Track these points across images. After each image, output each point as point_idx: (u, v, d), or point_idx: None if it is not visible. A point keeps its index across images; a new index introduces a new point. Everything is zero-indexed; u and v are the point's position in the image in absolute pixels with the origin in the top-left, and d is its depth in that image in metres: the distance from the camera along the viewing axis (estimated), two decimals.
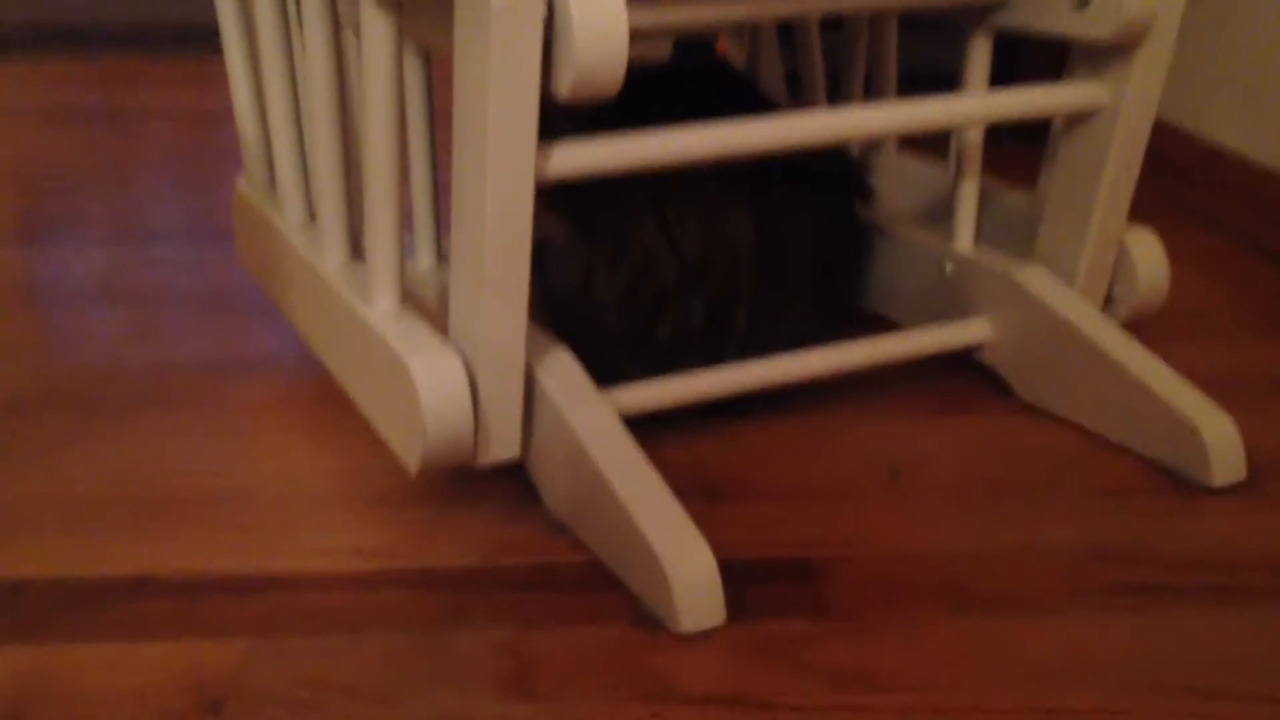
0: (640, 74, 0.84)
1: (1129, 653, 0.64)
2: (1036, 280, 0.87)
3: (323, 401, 0.88)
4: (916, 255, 0.96)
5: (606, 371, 0.76)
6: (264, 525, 0.74)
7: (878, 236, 1.00)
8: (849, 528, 0.74)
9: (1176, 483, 0.79)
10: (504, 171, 0.64)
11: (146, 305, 1.05)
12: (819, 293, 0.90)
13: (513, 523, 0.74)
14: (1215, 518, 0.76)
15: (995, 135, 0.91)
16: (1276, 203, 1.20)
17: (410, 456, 0.70)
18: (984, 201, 0.94)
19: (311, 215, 0.86)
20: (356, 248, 0.80)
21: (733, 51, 1.19)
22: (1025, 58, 1.52)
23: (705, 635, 0.64)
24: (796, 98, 1.11)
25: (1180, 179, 1.33)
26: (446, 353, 0.68)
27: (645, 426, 0.73)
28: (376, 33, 0.66)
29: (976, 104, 0.83)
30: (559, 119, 0.69)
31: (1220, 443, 0.78)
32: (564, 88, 0.62)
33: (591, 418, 0.70)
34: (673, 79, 0.92)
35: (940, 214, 1.01)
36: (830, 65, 1.09)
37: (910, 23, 1.00)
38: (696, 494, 0.77)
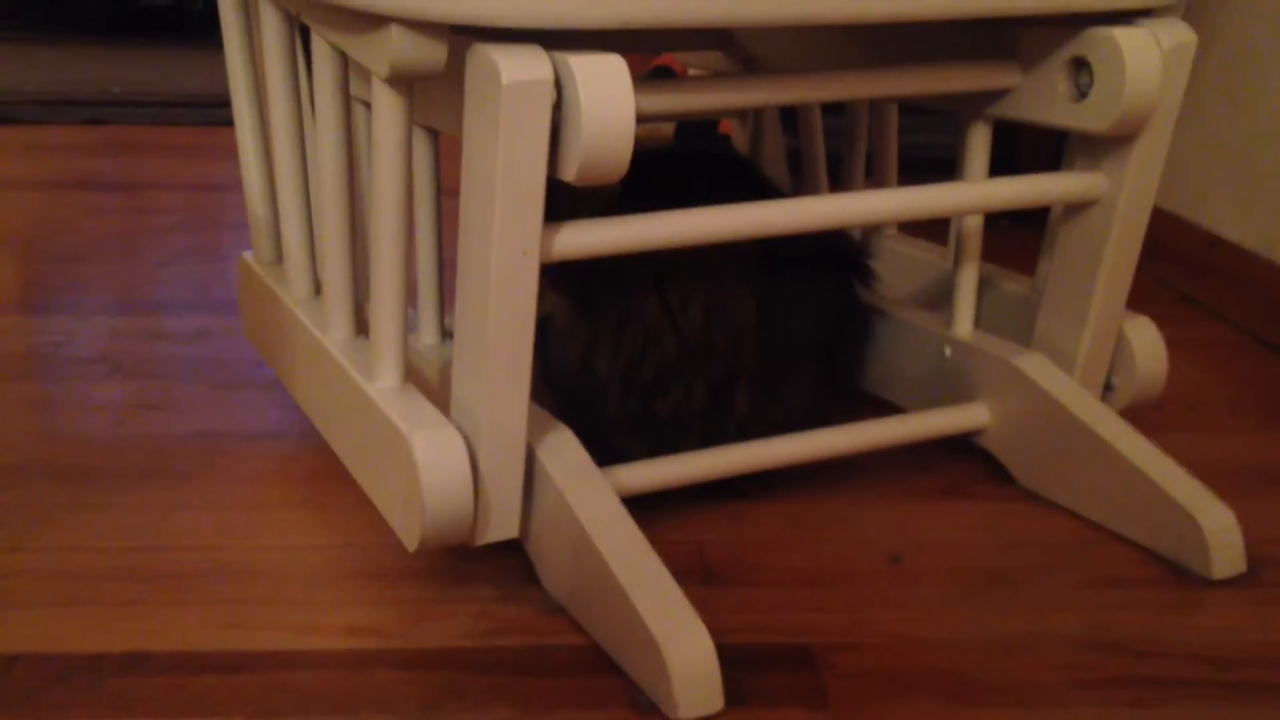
0: (644, 158, 0.85)
1: None
2: (1035, 367, 0.87)
3: (322, 476, 0.87)
4: (916, 339, 0.96)
5: (606, 450, 0.76)
6: (259, 601, 0.73)
7: (877, 319, 1.00)
8: (849, 614, 0.74)
9: (1176, 574, 0.79)
10: (509, 251, 0.65)
11: (148, 376, 1.05)
12: (819, 374, 0.91)
13: (510, 602, 0.74)
14: (1216, 610, 0.76)
15: (993, 217, 0.92)
16: (1274, 294, 1.21)
17: (409, 533, 0.69)
18: (983, 287, 0.95)
19: (317, 289, 0.87)
20: (360, 323, 0.81)
21: (735, 132, 1.21)
22: (1024, 141, 1.54)
23: None
24: (798, 178, 1.13)
25: (1178, 268, 1.34)
26: (448, 430, 0.68)
27: (644, 506, 0.72)
28: (388, 114, 0.67)
29: (976, 192, 0.84)
30: (563, 201, 0.70)
31: (1220, 534, 0.78)
32: (571, 171, 0.63)
33: (593, 500, 0.70)
34: (676, 162, 0.93)
35: (939, 298, 1.02)
36: (832, 147, 1.10)
37: (911, 108, 1.02)
38: (695, 577, 0.77)
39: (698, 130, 1.47)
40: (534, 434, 0.72)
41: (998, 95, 0.85)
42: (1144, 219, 0.84)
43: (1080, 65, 0.79)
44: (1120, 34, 0.76)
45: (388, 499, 0.73)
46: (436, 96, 0.72)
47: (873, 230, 1.11)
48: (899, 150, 1.08)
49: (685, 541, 0.81)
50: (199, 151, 1.93)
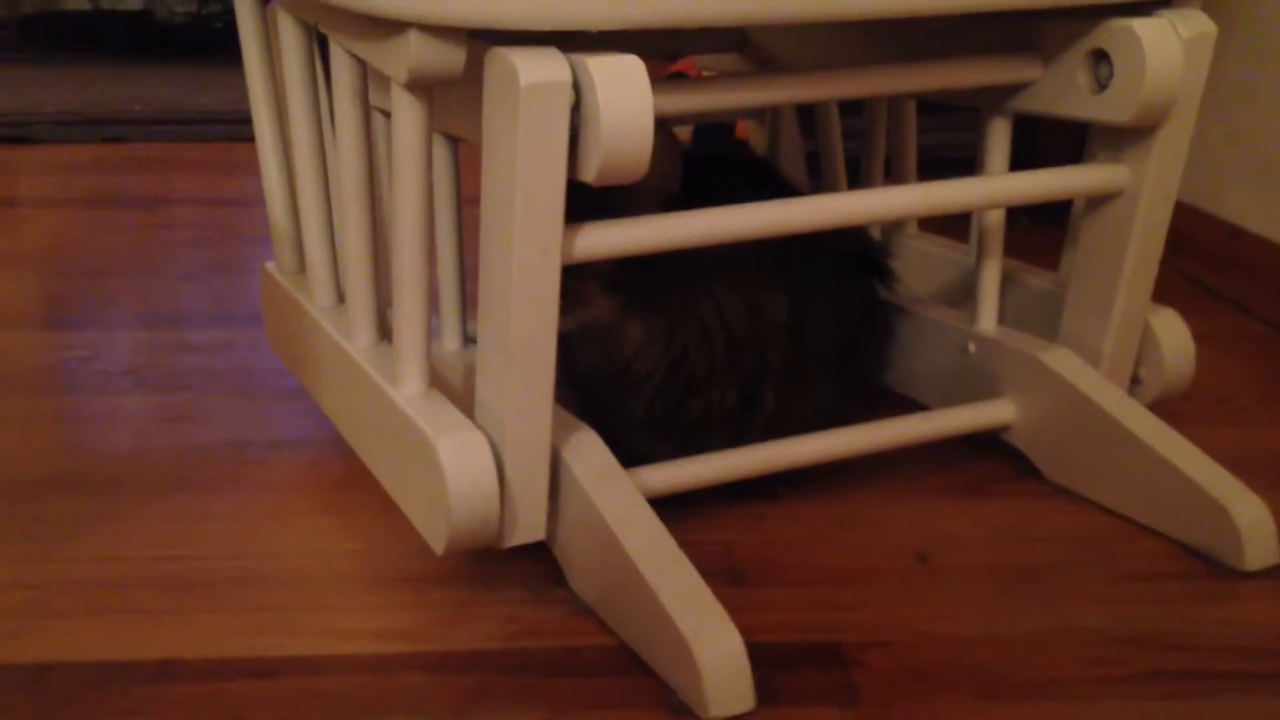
0: None
1: None
2: (1061, 362, 0.87)
3: (348, 483, 0.88)
4: (939, 336, 0.96)
5: (630, 453, 0.76)
6: (288, 607, 0.74)
7: (901, 317, 1.00)
8: (878, 612, 0.74)
9: (1208, 566, 0.78)
10: (530, 254, 0.65)
11: (174, 388, 1.06)
12: (843, 373, 0.91)
13: (538, 604, 0.74)
14: (1249, 603, 0.75)
15: (1014, 217, 0.91)
16: None
17: (436, 537, 0.69)
18: (1006, 283, 0.94)
19: (340, 298, 0.87)
20: (384, 330, 0.81)
21: (753, 136, 1.21)
22: (1044, 137, 1.53)
23: None
24: (817, 180, 1.12)
25: (1201, 261, 1.33)
26: (474, 433, 0.68)
27: (670, 509, 0.72)
28: (407, 120, 0.68)
29: (998, 186, 0.83)
30: (579, 204, 0.69)
31: (1252, 526, 0.77)
32: (590, 172, 0.63)
33: (620, 501, 0.70)
34: (694, 164, 0.93)
35: (962, 296, 1.01)
36: (850, 150, 1.10)
37: (929, 107, 1.01)
38: (723, 577, 0.77)
39: (715, 134, 1.46)
40: (559, 436, 0.72)
41: (1017, 89, 0.85)
42: (1167, 210, 0.84)
43: (1100, 57, 0.78)
44: (1139, 25, 0.76)
45: (414, 503, 0.73)
46: (455, 102, 0.73)
47: (894, 228, 1.11)
48: (918, 151, 1.07)
49: (712, 542, 0.81)
50: (219, 167, 1.94)
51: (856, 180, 1.09)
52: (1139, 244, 0.83)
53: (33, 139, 2.09)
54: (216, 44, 2.65)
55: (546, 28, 0.62)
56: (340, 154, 0.76)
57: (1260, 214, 1.28)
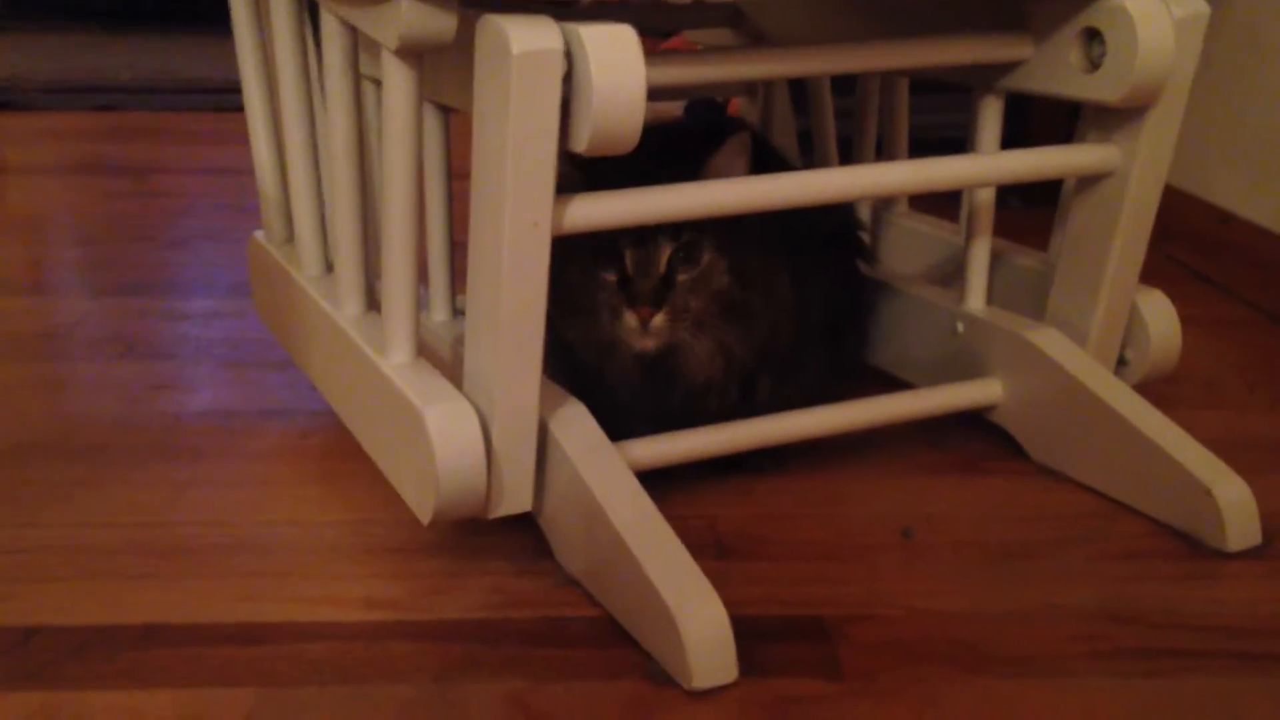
0: (654, 131, 0.85)
1: (1147, 718, 0.63)
2: (1049, 342, 0.87)
3: (335, 452, 0.88)
4: (928, 315, 0.96)
5: (618, 426, 0.76)
6: (274, 575, 0.74)
7: (890, 296, 1.00)
8: (863, 587, 0.74)
9: (1191, 546, 0.79)
10: (521, 224, 0.65)
11: (161, 356, 1.06)
12: (827, 353, 0.91)
13: (524, 575, 0.74)
14: (1232, 582, 0.75)
15: (1004, 199, 0.91)
16: None
17: (423, 507, 0.69)
18: (995, 262, 0.94)
19: (328, 267, 0.87)
20: (372, 300, 0.81)
21: (746, 113, 1.21)
22: (1036, 117, 1.53)
23: (716, 693, 0.64)
24: (809, 157, 1.12)
25: (1190, 245, 1.33)
26: (461, 403, 0.68)
27: (657, 483, 0.72)
28: (398, 88, 0.67)
29: (989, 164, 0.83)
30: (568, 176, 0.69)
31: (1235, 507, 0.78)
32: (582, 142, 0.63)
33: (607, 474, 0.70)
34: (686, 137, 0.93)
35: (951, 275, 1.01)
36: (842, 129, 1.10)
37: (921, 86, 1.01)
38: (708, 551, 0.77)
39: (707, 111, 1.46)
40: (546, 408, 0.72)
41: (1009, 67, 0.84)
42: (1157, 191, 0.84)
43: (1092, 36, 0.78)
44: (1132, 4, 0.76)
45: (401, 473, 0.73)
46: (446, 70, 0.72)
47: (884, 207, 1.11)
48: (909, 131, 1.07)
49: (698, 517, 0.81)
50: (209, 137, 1.93)
51: (848, 160, 1.09)
52: (1128, 225, 0.84)
53: (24, 105, 2.08)
54: (208, 12, 2.64)
55: None
56: (330, 122, 0.76)
57: (1251, 199, 1.28)
